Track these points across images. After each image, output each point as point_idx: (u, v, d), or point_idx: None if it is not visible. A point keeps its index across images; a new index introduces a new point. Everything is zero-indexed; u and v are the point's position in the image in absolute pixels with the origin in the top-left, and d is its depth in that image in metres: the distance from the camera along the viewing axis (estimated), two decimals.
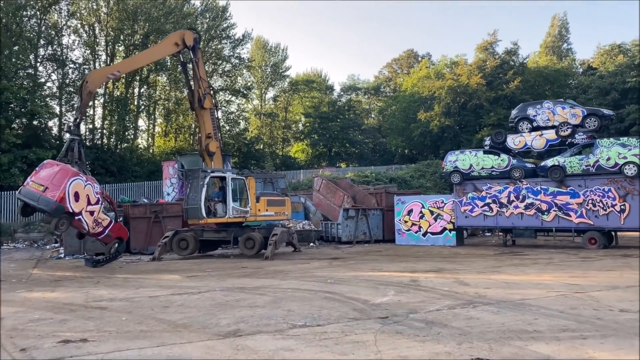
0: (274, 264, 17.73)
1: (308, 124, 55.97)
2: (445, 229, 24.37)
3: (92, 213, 15.85)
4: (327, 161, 55.87)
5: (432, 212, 24.68)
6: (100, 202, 16.23)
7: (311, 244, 25.47)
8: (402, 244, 25.14)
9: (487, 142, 24.06)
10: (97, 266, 17.21)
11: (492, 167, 23.09)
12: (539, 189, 22.09)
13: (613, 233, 21.44)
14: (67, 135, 18.76)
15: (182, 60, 22.03)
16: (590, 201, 20.92)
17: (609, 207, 20.53)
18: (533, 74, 51.63)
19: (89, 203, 15.65)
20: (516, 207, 22.61)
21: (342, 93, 58.60)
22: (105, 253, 18.03)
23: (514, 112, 23.98)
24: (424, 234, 24.83)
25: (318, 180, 29.32)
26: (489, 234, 30.43)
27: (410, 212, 25.21)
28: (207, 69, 32.02)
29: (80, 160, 16.72)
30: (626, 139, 20.64)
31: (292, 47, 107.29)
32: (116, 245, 17.73)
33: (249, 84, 54.14)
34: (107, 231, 16.68)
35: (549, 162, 21.76)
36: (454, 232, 24.22)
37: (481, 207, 23.43)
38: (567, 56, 58.73)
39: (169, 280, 14.24)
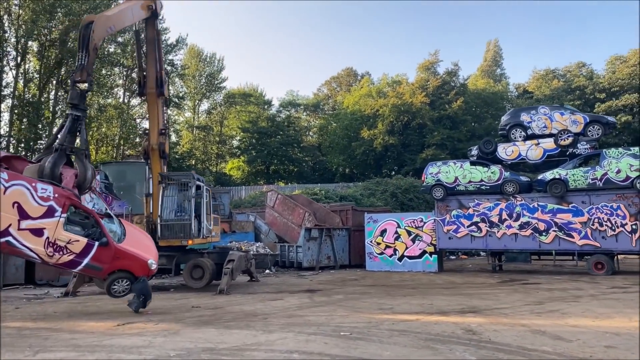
0: (236, 301, 12.84)
1: (245, 139, 50.90)
2: (425, 252, 20.36)
3: (37, 232, 10.25)
4: (264, 179, 50.94)
5: (409, 233, 20.63)
6: (57, 214, 10.41)
7: (267, 270, 20.58)
8: (374, 269, 20.86)
9: (474, 151, 20.48)
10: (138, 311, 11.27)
11: (481, 180, 19.47)
12: (536, 205, 18.67)
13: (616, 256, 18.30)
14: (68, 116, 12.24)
15: (141, 33, 16.44)
16: (596, 220, 17.71)
17: (618, 227, 17.38)
18: (472, 96, 50.01)
19: (24, 215, 10.15)
20: (509, 226, 19.05)
21: (281, 109, 54.14)
22: (107, 293, 11.43)
23: (504, 118, 20.62)
24: (400, 258, 20.69)
25: (272, 195, 24.50)
26: (466, 256, 26.89)
27: (383, 232, 21.03)
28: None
29: (87, 150, 11.93)
30: (637, 149, 17.70)
31: (227, 60, 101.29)
32: (125, 283, 11.09)
33: (181, 93, 48.46)
34: (87, 260, 10.59)
35: (548, 175, 18.42)
36: (435, 256, 20.27)
37: (468, 226, 19.68)
38: (500, 80, 57.96)
39: (90, 333, 8.96)
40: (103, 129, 42.24)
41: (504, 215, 19.14)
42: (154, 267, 11.36)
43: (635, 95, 42.54)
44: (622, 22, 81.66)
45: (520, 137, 19.44)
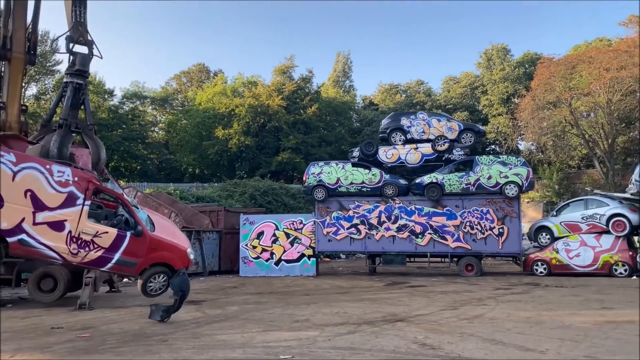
0: (109, 318, 10.30)
1: None
2: (303, 255, 19.22)
3: (57, 225, 8.46)
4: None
5: (288, 235, 19.32)
6: (79, 202, 8.68)
7: (125, 279, 17.57)
8: (249, 275, 19.12)
9: (356, 153, 19.95)
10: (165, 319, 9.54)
11: (363, 182, 18.99)
12: (413, 208, 18.74)
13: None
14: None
15: None
16: (467, 223, 18.30)
17: (487, 231, 18.15)
18: (324, 104, 50.82)
19: (39, 206, 8.38)
20: (387, 229, 18.84)
21: (124, 100, 48.92)
22: (141, 292, 9.88)
23: (385, 121, 20.45)
24: (277, 262, 19.26)
25: (130, 193, 21.23)
26: (328, 259, 26.32)
27: (260, 234, 19.39)
28: None
29: (89, 124, 10.13)
30: (506, 157, 18.73)
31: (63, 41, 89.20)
32: (162, 279, 9.59)
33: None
34: (119, 255, 8.96)
35: (426, 179, 18.60)
36: (314, 260, 19.26)
37: (347, 228, 19.05)
38: (349, 91, 59.99)
39: None
40: None
41: (383, 218, 18.90)
42: (192, 257, 9.97)
43: (465, 113, 46.89)
44: (457, 42, 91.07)
45: (400, 140, 19.42)
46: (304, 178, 19.67)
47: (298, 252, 19.18)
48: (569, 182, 40.01)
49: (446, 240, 18.42)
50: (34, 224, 8.17)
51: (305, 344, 7.65)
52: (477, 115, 47.96)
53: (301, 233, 19.24)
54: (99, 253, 8.77)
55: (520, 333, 8.08)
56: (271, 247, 19.23)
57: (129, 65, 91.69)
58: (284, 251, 19.19)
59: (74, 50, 10.06)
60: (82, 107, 10.09)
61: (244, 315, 10.61)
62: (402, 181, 19.15)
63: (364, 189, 18.99)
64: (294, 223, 19.37)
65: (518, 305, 11.15)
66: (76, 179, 8.65)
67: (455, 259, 18.78)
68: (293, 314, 10.52)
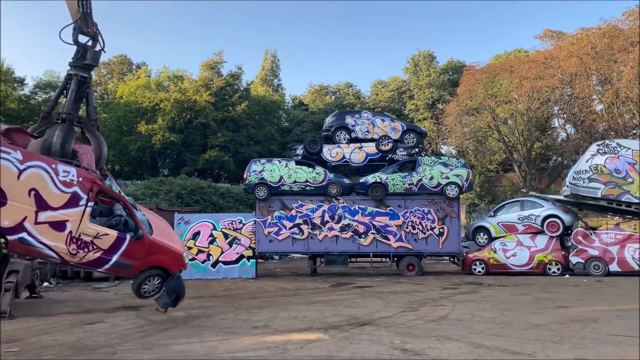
0: (36, 329, 9.01)
1: None
2: (242, 256, 18.30)
3: (58, 225, 8.38)
4: None
5: (226, 236, 18.31)
6: (82, 203, 8.61)
7: (45, 283, 15.86)
8: (185, 277, 17.85)
9: (300, 151, 19.33)
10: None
11: (307, 180, 18.41)
12: (357, 208, 18.45)
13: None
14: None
15: None
16: (409, 223, 18.28)
17: (428, 231, 18.23)
18: (254, 102, 49.77)
19: (42, 205, 8.29)
20: (331, 228, 18.40)
21: (37, 90, 44.96)
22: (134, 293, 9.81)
23: (330, 119, 19.97)
24: (214, 264, 18.19)
25: None
26: (262, 260, 25.40)
27: (196, 235, 18.23)
28: None
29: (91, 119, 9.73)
30: (447, 158, 18.92)
31: None
32: (157, 281, 9.59)
33: None
34: (117, 257, 8.93)
35: (370, 179, 18.37)
36: (253, 261, 18.41)
37: (290, 228, 18.39)
38: (277, 90, 59.22)
39: None
40: None
41: (327, 217, 18.43)
42: (187, 260, 10.18)
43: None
44: (386, 46, 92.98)
45: (344, 139, 19.06)
46: (245, 176, 18.74)
47: (237, 253, 18.23)
48: (490, 185, 41.87)
49: (389, 240, 18.28)
50: (36, 223, 8.07)
51: (277, 352, 6.96)
52: (403, 119, 48.92)
53: (240, 233, 18.32)
54: (98, 254, 8.70)
55: (496, 335, 7.85)
56: (208, 248, 18.14)
57: (44, 54, 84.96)
58: (222, 252, 18.17)
59: (79, 42, 9.61)
60: (83, 101, 9.71)
61: (194, 321, 9.67)
62: (346, 180, 18.80)
63: (307, 188, 18.42)
64: (233, 223, 18.40)
65: (476, 306, 11.05)
66: (81, 179, 8.52)
67: (396, 259, 18.70)
68: (248, 319, 9.72)
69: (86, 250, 8.58)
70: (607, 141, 17.47)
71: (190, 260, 18.08)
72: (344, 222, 18.38)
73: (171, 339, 7.97)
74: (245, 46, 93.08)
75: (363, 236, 18.31)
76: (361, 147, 18.88)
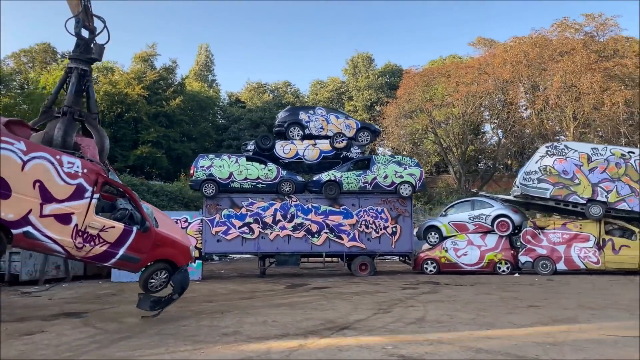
0: None
1: None
2: None
3: (64, 218, 8.00)
4: None
5: None
6: (88, 195, 8.23)
7: None
8: (124, 280, 16.44)
9: (251, 146, 18.42)
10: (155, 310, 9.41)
11: (258, 178, 17.57)
12: (310, 207, 17.85)
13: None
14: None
15: None
16: (363, 222, 17.93)
17: (381, 230, 17.96)
18: (188, 97, 47.93)
19: (47, 197, 7.86)
20: (283, 228, 17.68)
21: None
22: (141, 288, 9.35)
23: (282, 114, 19.20)
24: None
25: None
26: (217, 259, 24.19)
27: None
28: None
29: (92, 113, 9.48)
30: (401, 157, 18.74)
31: None
32: (164, 275, 9.25)
33: None
34: (123, 250, 8.54)
35: (324, 177, 17.83)
36: (200, 262, 17.30)
37: (239, 227, 17.47)
38: (212, 86, 57.45)
39: None
40: None
41: (278, 216, 17.69)
42: (194, 253, 10.15)
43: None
44: (324, 47, 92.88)
45: (298, 135, 18.38)
46: (192, 171, 17.60)
47: None
48: (426, 186, 42.68)
49: (342, 239, 17.83)
50: (41, 216, 7.76)
51: None
52: None
53: (186, 232, 17.14)
54: (104, 248, 8.44)
55: (487, 338, 7.50)
56: None
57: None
58: None
59: (81, 35, 9.42)
60: (84, 94, 9.52)
61: (152, 328, 8.65)
62: (300, 178, 18.15)
63: (259, 185, 17.59)
64: (179, 222, 17.20)
65: (447, 306, 10.75)
66: (85, 171, 8.29)
67: (347, 259, 18.27)
68: (213, 326, 8.83)
69: (92, 243, 8.33)
70: (555, 143, 18.01)
71: None
72: (297, 221, 17.72)
73: (133, 350, 6.98)
74: (180, 39, 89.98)
75: (316, 235, 17.74)
76: (315, 144, 18.30)
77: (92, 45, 9.50)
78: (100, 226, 8.35)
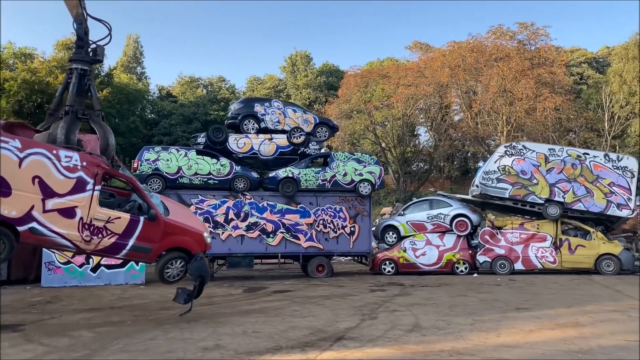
0: None
1: None
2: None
3: (68, 212, 8.00)
4: None
5: None
6: (89, 187, 8.18)
7: None
8: (56, 285, 14.56)
9: (201, 139, 16.95)
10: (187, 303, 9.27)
11: (210, 173, 16.19)
12: (266, 205, 16.71)
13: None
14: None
15: None
16: (321, 222, 17.05)
17: (339, 229, 17.16)
18: (116, 89, 44.88)
19: (48, 192, 7.86)
20: (236, 227, 16.42)
21: None
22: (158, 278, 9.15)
23: (236, 106, 17.84)
24: (95, 268, 15.09)
25: None
26: None
27: None
28: None
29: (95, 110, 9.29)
30: (360, 154, 18.03)
31: None
32: (180, 264, 8.93)
33: None
34: (133, 241, 8.42)
35: (281, 173, 16.74)
36: (143, 264, 15.64)
37: None
38: (141, 79, 54.27)
39: None
40: None
41: (231, 215, 16.41)
42: (210, 240, 9.67)
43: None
44: (261, 43, 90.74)
45: (253, 129, 17.15)
46: (135, 165, 15.90)
47: None
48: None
49: (299, 239, 16.84)
50: (44, 211, 7.76)
51: None
52: None
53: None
54: (113, 239, 8.32)
55: (504, 346, 6.87)
56: None
57: None
58: None
59: (82, 37, 9.44)
60: (88, 93, 9.44)
61: (114, 344, 7.29)
62: (255, 174, 16.94)
63: (210, 181, 16.20)
64: None
65: (432, 310, 10.10)
66: (84, 163, 8.21)
67: (303, 260, 17.31)
68: (187, 339, 7.61)
69: (100, 236, 8.23)
70: (514, 143, 18.07)
71: (64, 263, 14.87)
72: (251, 220, 16.52)
73: None
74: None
75: (271, 235, 16.63)
76: (271, 139, 17.14)
77: (89, 45, 9.49)
78: (106, 218, 8.24)
